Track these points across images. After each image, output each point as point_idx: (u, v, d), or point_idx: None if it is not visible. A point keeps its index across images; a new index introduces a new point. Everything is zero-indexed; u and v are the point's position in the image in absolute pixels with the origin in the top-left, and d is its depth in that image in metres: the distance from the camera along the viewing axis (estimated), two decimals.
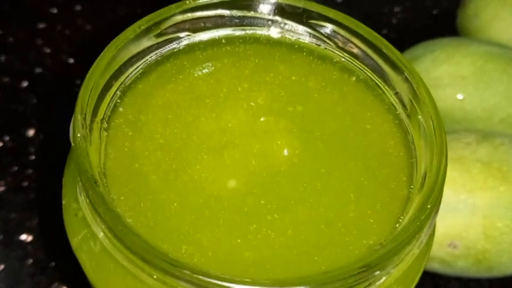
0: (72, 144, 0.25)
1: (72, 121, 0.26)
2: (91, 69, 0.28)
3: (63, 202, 0.28)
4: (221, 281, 0.22)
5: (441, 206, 0.43)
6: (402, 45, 0.51)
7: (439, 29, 0.57)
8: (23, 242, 0.46)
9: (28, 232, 0.46)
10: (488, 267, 0.43)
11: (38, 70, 0.55)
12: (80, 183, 0.26)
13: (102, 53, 0.28)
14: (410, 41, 0.53)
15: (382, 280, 0.25)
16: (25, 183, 0.48)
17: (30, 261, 0.45)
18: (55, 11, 0.60)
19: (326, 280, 0.23)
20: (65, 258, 0.40)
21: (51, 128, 0.51)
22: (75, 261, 0.28)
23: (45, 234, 0.46)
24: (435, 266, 0.44)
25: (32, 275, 0.44)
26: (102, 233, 0.25)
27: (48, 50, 0.57)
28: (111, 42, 0.29)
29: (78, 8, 0.60)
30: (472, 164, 0.43)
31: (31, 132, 0.51)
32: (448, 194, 0.42)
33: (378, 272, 0.24)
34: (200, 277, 0.22)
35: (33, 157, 0.50)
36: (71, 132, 0.26)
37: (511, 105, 0.48)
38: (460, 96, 0.48)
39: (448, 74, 0.49)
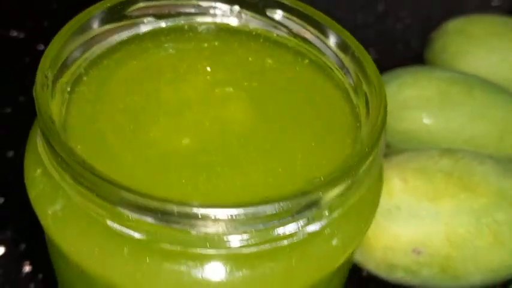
0: (34, 93, 0.27)
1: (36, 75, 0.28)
2: (58, 33, 0.29)
3: (25, 163, 0.30)
4: (152, 199, 0.24)
5: (404, 213, 0.44)
6: None
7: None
8: None
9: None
10: (453, 276, 0.43)
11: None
12: (39, 131, 0.27)
13: (61, 30, 0.30)
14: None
15: (316, 225, 0.26)
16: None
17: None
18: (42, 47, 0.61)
19: (259, 203, 0.24)
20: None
21: None
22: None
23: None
24: (400, 276, 0.44)
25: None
26: (57, 174, 0.26)
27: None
28: (70, 21, 0.30)
29: None
30: (434, 174, 0.44)
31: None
32: (411, 201, 0.43)
33: (314, 206, 0.25)
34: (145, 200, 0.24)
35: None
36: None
37: (475, 126, 0.50)
38: (426, 120, 0.50)
39: (413, 96, 0.50)
